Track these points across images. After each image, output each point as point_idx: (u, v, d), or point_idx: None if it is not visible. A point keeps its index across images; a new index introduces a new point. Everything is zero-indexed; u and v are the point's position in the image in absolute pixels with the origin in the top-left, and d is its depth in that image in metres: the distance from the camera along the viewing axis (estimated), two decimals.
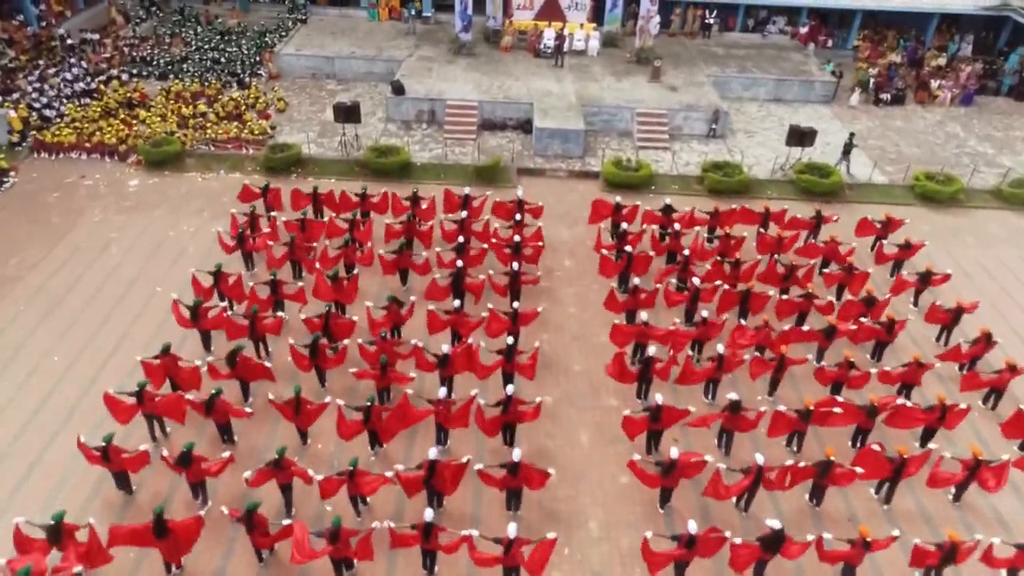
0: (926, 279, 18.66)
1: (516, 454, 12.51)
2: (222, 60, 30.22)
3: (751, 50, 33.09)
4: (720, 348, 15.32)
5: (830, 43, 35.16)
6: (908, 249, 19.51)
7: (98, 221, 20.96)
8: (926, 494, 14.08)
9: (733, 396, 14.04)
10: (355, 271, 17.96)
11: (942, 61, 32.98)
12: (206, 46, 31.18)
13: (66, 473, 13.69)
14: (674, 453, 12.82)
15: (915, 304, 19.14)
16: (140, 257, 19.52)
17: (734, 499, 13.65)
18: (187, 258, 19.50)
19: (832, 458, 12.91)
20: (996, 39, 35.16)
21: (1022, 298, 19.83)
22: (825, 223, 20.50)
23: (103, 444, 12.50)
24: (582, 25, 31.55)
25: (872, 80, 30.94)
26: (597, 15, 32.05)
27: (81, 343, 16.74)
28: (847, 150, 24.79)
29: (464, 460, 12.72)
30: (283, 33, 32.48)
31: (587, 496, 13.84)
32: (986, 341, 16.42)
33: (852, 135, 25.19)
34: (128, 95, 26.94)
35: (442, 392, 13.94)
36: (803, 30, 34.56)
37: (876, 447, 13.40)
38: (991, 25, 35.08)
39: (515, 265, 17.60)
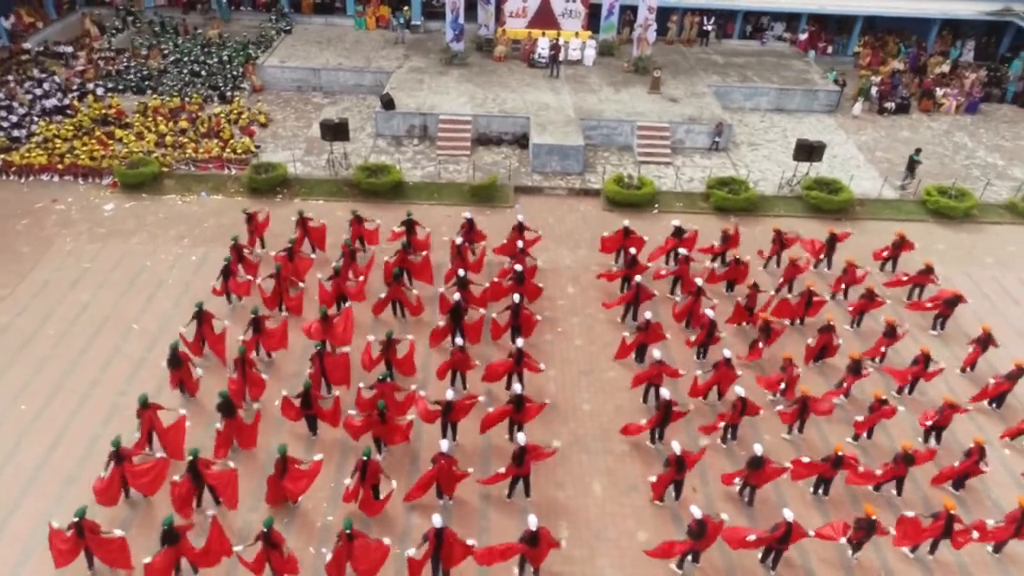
0: (952, 304, 17.78)
1: (532, 522, 11.42)
2: (203, 73, 28.87)
3: (751, 58, 32.15)
4: (740, 391, 14.28)
5: (830, 50, 34.29)
6: (928, 274, 18.63)
7: (70, 251, 19.63)
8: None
9: (758, 450, 13.03)
10: (347, 305, 16.72)
11: (946, 68, 32.16)
12: (186, 58, 29.81)
13: (31, 543, 12.42)
14: (696, 513, 11.79)
15: (941, 328, 18.24)
16: (115, 291, 18.21)
17: (760, 556, 12.67)
18: (165, 291, 18.26)
19: (874, 517, 11.93)
20: (998, 45, 34.44)
21: None
22: (839, 241, 19.60)
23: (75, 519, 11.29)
24: (577, 33, 30.49)
25: (876, 88, 30.08)
26: (591, 23, 31.01)
27: (50, 389, 15.44)
28: (912, 166, 23.84)
29: (470, 543, 11.60)
30: (267, 44, 31.16)
31: (604, 557, 12.74)
32: (1018, 373, 15.58)
33: (919, 151, 24.18)
34: (103, 112, 25.57)
35: (444, 445, 12.79)
36: (802, 36, 33.67)
37: (911, 514, 12.48)
38: (993, 30, 34.37)
39: (516, 297, 16.47)
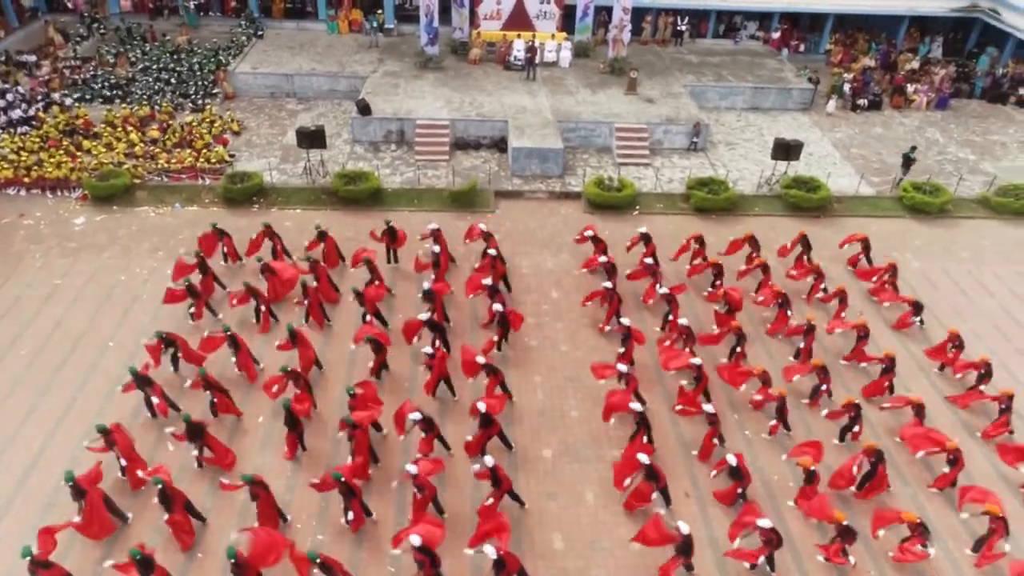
0: (919, 309, 18.01)
1: (490, 551, 11.20)
2: (172, 81, 28.26)
3: (725, 57, 32.31)
4: (709, 408, 14.37)
5: (802, 48, 34.60)
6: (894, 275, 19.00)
7: (40, 267, 19.06)
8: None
9: (731, 460, 13.04)
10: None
11: (915, 64, 32.61)
12: (154, 66, 29.17)
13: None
14: (684, 528, 11.73)
15: (921, 325, 18.41)
16: (88, 307, 17.70)
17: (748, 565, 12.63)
18: (141, 306, 17.80)
19: (846, 523, 12.01)
20: (965, 40, 35.04)
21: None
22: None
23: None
24: (553, 35, 30.39)
25: (848, 86, 30.39)
26: (565, 24, 30.93)
27: (25, 410, 14.94)
28: (907, 163, 24.11)
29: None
30: (237, 50, 30.58)
31: (599, 568, 12.60)
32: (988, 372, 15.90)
33: (914, 148, 24.58)
34: (71, 122, 24.88)
35: (413, 469, 12.52)
36: (775, 35, 33.94)
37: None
38: (960, 26, 34.94)
39: (498, 307, 16.37)
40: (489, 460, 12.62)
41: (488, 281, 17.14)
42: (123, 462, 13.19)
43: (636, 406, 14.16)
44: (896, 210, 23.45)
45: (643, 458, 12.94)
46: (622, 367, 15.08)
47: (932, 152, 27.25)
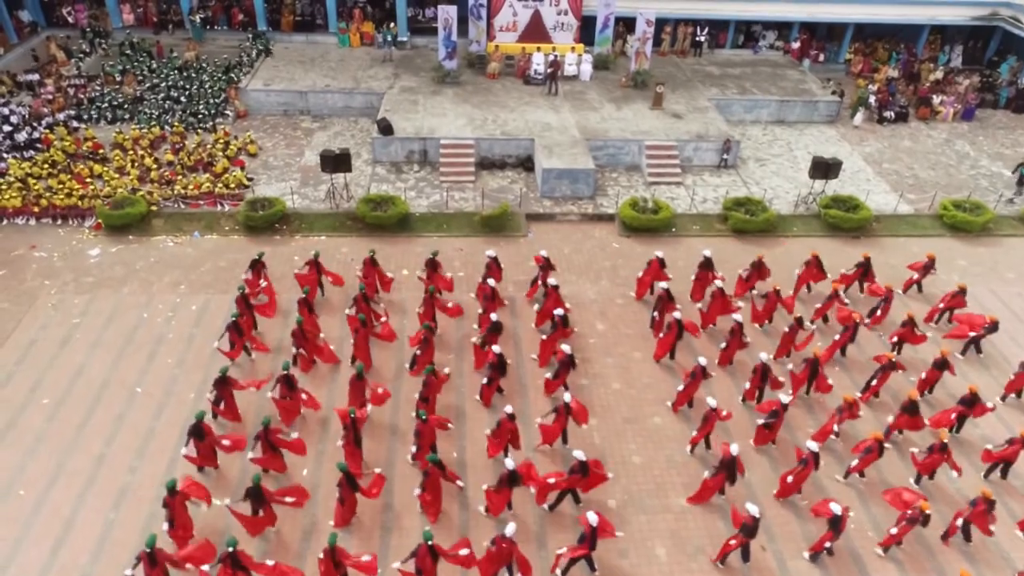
0: (992, 330, 17.32)
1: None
2: (181, 99, 27.14)
3: (746, 68, 31.64)
4: (813, 446, 13.52)
5: (821, 57, 33.97)
6: (961, 295, 18.24)
7: (55, 304, 17.99)
8: None
9: (836, 510, 12.27)
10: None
11: (939, 75, 32.07)
12: (163, 83, 28.02)
13: None
14: None
15: (978, 352, 17.80)
16: (111, 350, 16.63)
17: None
18: (167, 347, 16.77)
19: None
20: (985, 49, 34.57)
21: None
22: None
23: None
24: (572, 48, 29.56)
25: (874, 97, 29.78)
26: (581, 36, 30.13)
27: (50, 470, 13.90)
28: (1022, 180, 23.57)
29: None
30: (247, 66, 29.47)
31: None
32: None
33: (1023, 164, 24.23)
34: (83, 145, 23.72)
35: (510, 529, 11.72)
36: (795, 45, 33.30)
37: None
38: (979, 35, 34.47)
39: (567, 348, 15.49)
40: (592, 518, 11.81)
41: (560, 312, 16.33)
42: (166, 526, 12.26)
43: (735, 449, 13.26)
44: (937, 229, 22.79)
45: (753, 509, 12.14)
46: (711, 401, 14.24)
47: (965, 166, 26.67)
